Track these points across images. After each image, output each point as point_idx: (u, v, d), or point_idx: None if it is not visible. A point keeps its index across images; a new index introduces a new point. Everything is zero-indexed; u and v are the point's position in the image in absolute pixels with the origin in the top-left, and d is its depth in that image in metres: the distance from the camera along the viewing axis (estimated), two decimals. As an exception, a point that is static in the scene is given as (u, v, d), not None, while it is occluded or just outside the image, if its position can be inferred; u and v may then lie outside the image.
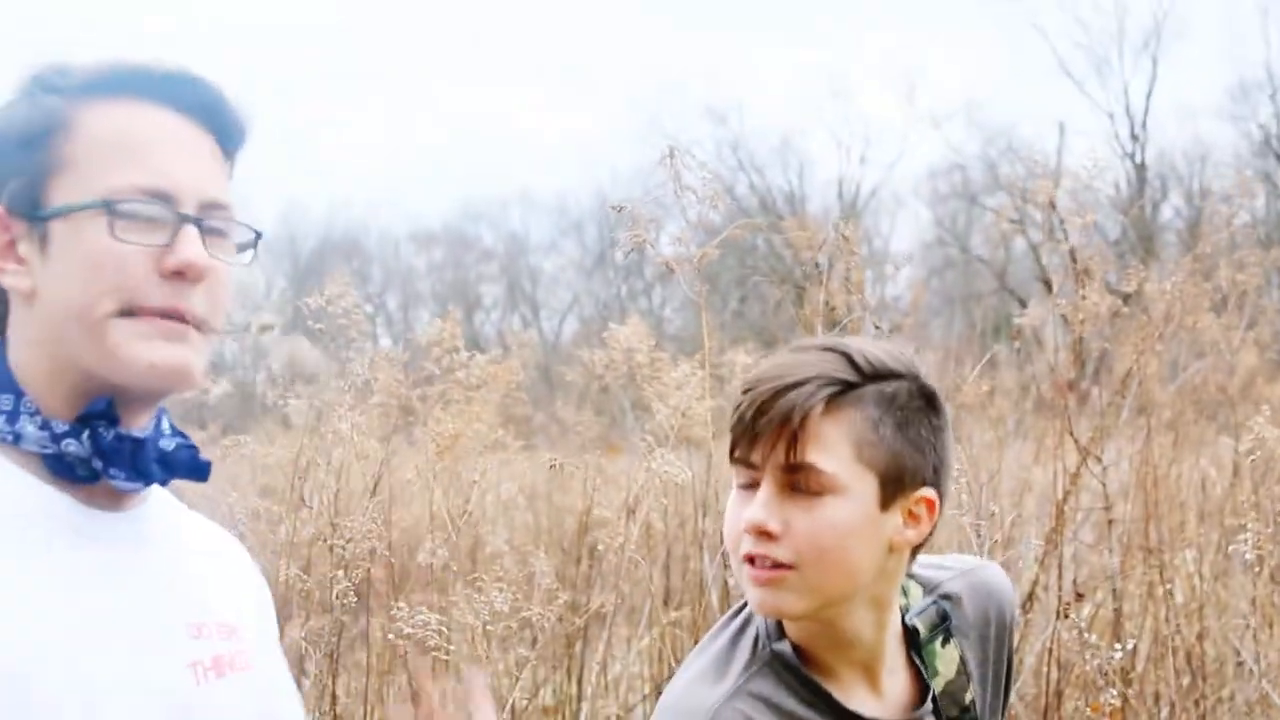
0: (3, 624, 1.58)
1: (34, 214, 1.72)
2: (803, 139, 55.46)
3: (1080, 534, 6.34)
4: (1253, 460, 5.78)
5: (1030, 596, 5.63)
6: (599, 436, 8.35)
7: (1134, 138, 42.62)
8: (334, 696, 5.29)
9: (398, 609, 4.74)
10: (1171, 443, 6.76)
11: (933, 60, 66.05)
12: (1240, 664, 6.19)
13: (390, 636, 4.84)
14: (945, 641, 2.23)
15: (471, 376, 5.63)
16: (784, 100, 72.71)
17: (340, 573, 4.88)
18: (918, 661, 2.20)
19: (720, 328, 5.71)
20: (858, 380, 2.03)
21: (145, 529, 1.81)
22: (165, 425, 1.82)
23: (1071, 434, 5.67)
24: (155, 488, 1.84)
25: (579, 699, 6.00)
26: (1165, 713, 5.64)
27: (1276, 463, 5.89)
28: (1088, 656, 5.12)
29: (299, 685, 5.29)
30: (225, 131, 1.82)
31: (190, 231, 1.71)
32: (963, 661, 2.24)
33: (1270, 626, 6.12)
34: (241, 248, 1.82)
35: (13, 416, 1.72)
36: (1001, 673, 2.33)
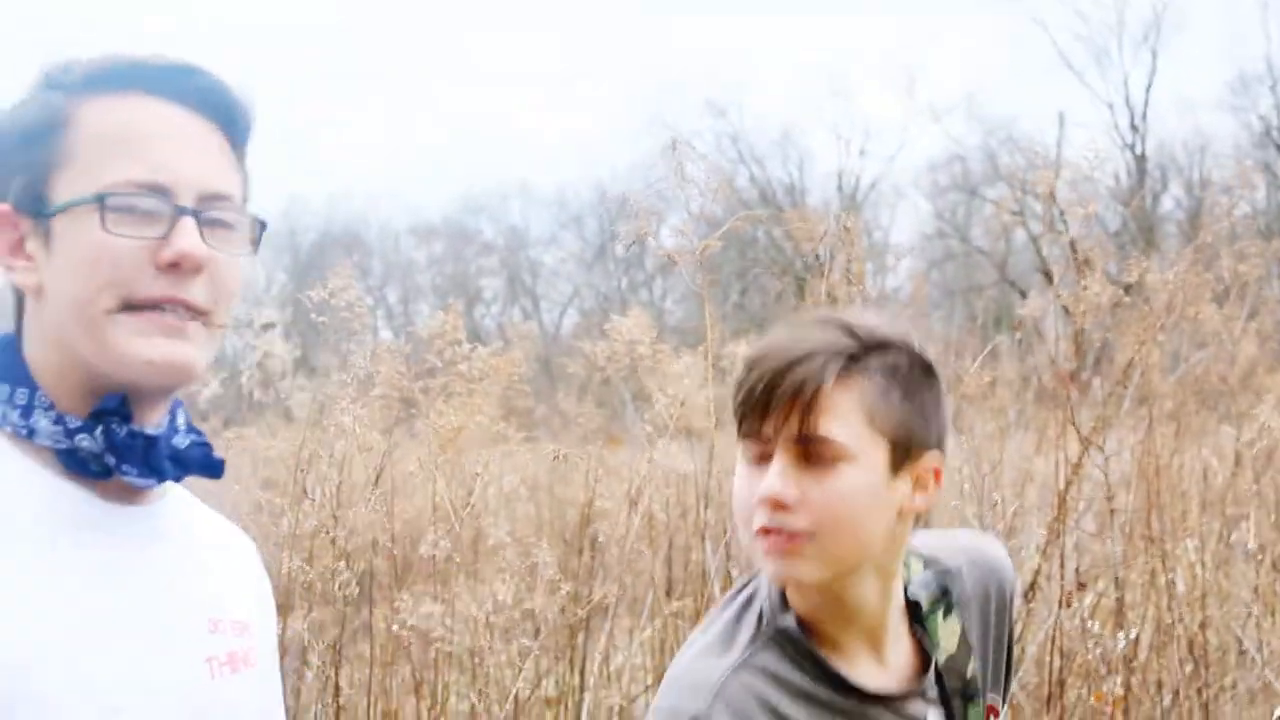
0: (10, 618, 1.58)
1: (38, 211, 1.72)
2: (803, 132, 55.45)
3: (1082, 523, 6.35)
4: (1255, 450, 5.79)
5: (1033, 586, 5.64)
6: (600, 428, 8.36)
7: (1134, 129, 42.64)
8: (337, 688, 5.30)
9: (401, 600, 4.75)
10: (1173, 433, 6.76)
11: (933, 52, 66.02)
12: (1242, 652, 6.20)
13: (394, 628, 4.85)
14: (947, 614, 2.25)
15: (473, 369, 5.62)
16: (784, 93, 72.87)
17: (342, 564, 4.88)
18: (920, 634, 2.22)
19: (722, 319, 5.73)
20: (862, 351, 2.06)
21: (162, 524, 1.81)
22: (181, 421, 1.83)
23: (1074, 424, 5.67)
24: (172, 484, 1.84)
25: (581, 690, 6.01)
26: (1168, 701, 5.64)
27: (1278, 452, 5.90)
28: (1090, 645, 5.13)
29: (302, 677, 5.32)
30: (231, 122, 1.81)
31: (186, 223, 1.70)
32: (964, 635, 2.26)
33: (1272, 615, 6.13)
34: (248, 239, 1.81)
35: (27, 411, 1.72)
36: (1003, 648, 2.34)
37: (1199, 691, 5.68)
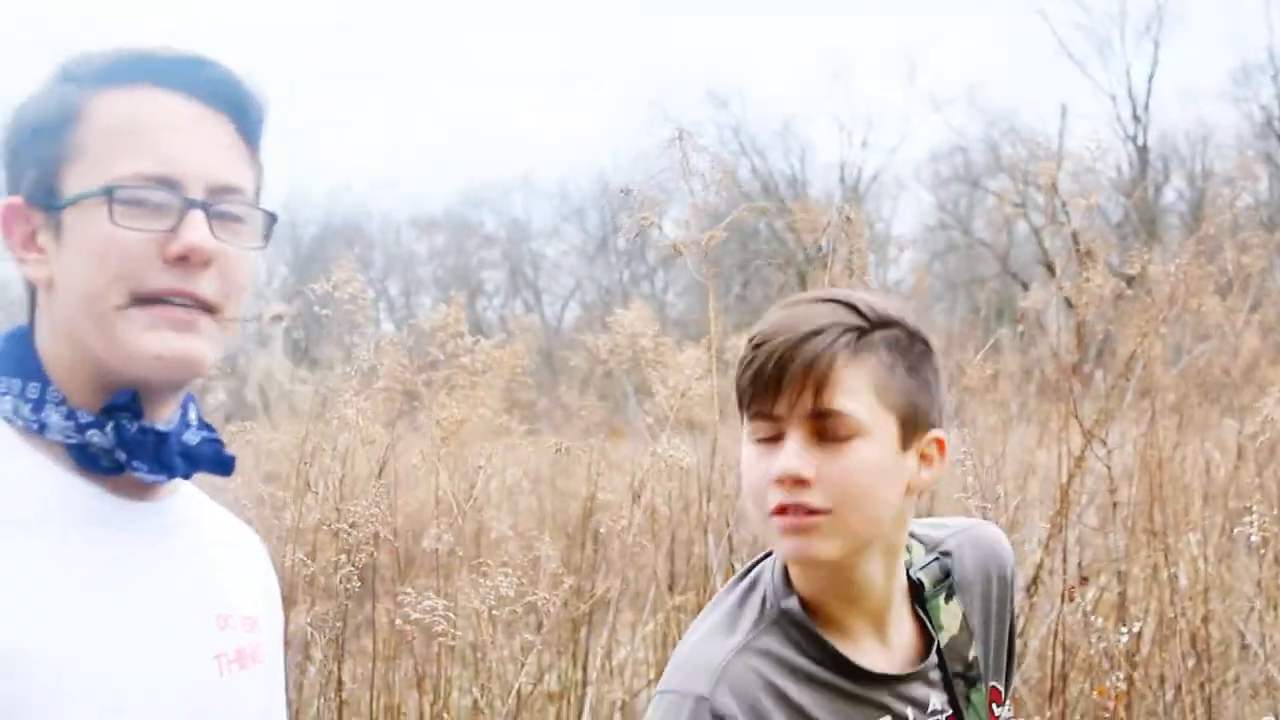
0: (14, 614, 1.58)
1: (49, 204, 1.73)
2: (804, 123, 55.29)
3: (1084, 517, 6.34)
4: (1258, 443, 5.78)
5: (1035, 580, 5.64)
6: (602, 421, 8.35)
7: (1136, 120, 42.59)
8: (339, 682, 5.30)
9: (404, 594, 4.74)
10: (1176, 426, 6.76)
11: (934, 43, 65.97)
12: (1245, 646, 6.20)
13: (397, 622, 4.85)
14: (949, 598, 2.26)
15: (476, 362, 5.62)
16: (785, 84, 72.78)
17: (343, 556, 4.88)
18: (923, 615, 2.23)
19: (724, 312, 5.72)
20: (869, 326, 2.07)
21: (172, 520, 1.82)
22: (193, 417, 1.83)
23: (1076, 417, 5.67)
24: (182, 480, 1.84)
25: (584, 684, 6.01)
26: (1170, 695, 5.64)
27: (1281, 445, 5.89)
28: (1094, 639, 5.13)
29: (304, 671, 5.31)
30: (242, 114, 1.81)
31: (195, 216, 1.70)
32: (965, 619, 2.27)
33: (1275, 609, 6.12)
34: (259, 232, 1.81)
35: (39, 405, 1.72)
36: (1004, 633, 2.35)
37: (1202, 686, 5.67)
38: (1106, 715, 5.13)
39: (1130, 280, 6.18)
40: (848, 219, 5.13)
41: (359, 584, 4.97)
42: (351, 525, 4.91)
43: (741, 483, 2.14)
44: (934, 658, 2.21)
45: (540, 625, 5.46)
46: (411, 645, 5.54)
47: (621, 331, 5.91)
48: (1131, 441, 6.36)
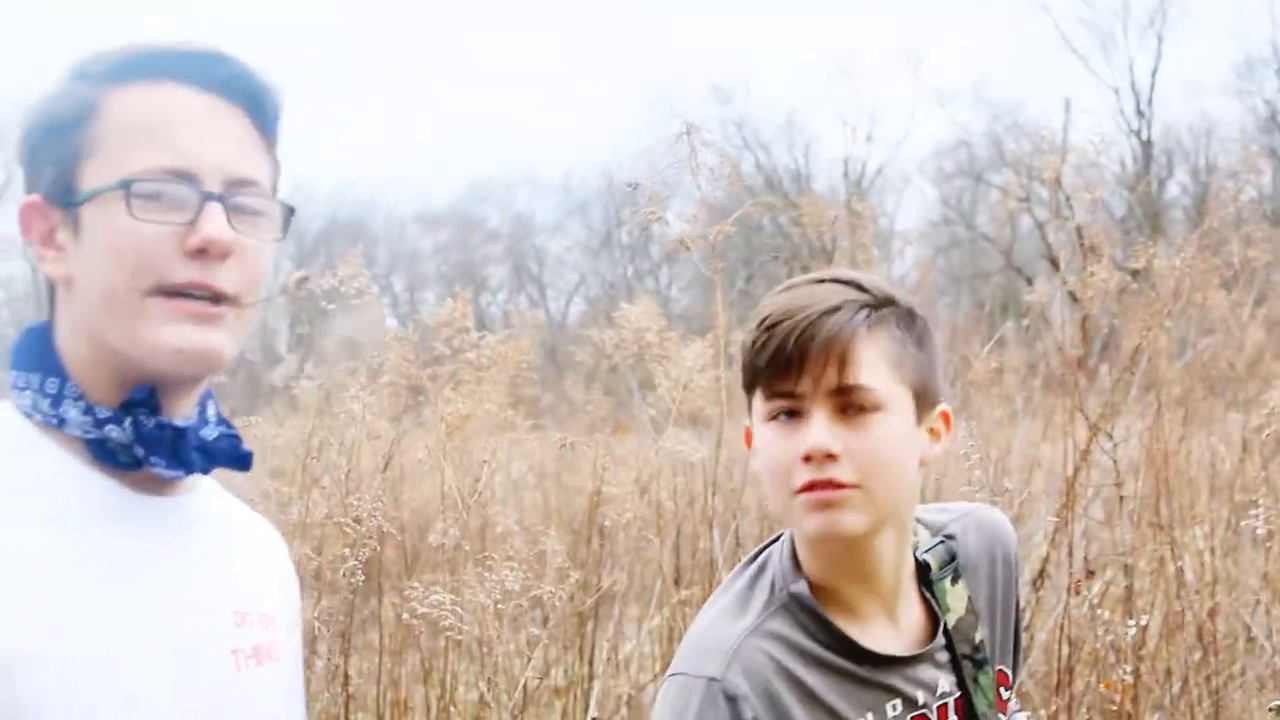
0: (32, 609, 1.58)
1: (68, 201, 1.73)
2: (808, 117, 55.37)
3: (1090, 511, 6.34)
4: (1263, 436, 5.78)
5: (1041, 574, 5.64)
6: (607, 416, 8.36)
7: (1139, 114, 42.57)
8: (346, 677, 5.31)
9: (410, 589, 4.75)
10: (1181, 419, 6.75)
11: (938, 37, 65.84)
12: (1251, 640, 6.20)
13: (404, 616, 4.85)
14: (955, 581, 2.27)
15: (482, 357, 5.62)
16: (789, 79, 72.80)
17: (347, 550, 4.89)
18: (930, 598, 2.24)
19: (729, 306, 5.73)
20: (878, 303, 2.10)
21: (191, 515, 1.82)
22: (211, 413, 1.84)
23: (1082, 411, 5.66)
24: (203, 476, 1.85)
25: (590, 678, 6.01)
26: (1176, 688, 5.64)
27: (1286, 439, 5.88)
28: (1101, 633, 5.12)
29: (311, 666, 5.32)
30: (258, 107, 1.81)
31: (213, 209, 1.70)
32: (971, 601, 2.28)
33: (1281, 602, 6.12)
34: (276, 224, 1.81)
35: (57, 400, 1.73)
36: (1010, 616, 2.36)
37: (1208, 679, 5.67)
38: (1113, 708, 5.13)
39: (1135, 274, 6.18)
40: (855, 213, 5.14)
41: (363, 578, 4.97)
42: (356, 520, 4.91)
43: (757, 464, 2.14)
44: (941, 639, 2.22)
45: (546, 620, 5.46)
46: (418, 640, 5.55)
47: (627, 326, 5.91)
48: (1137, 435, 6.36)
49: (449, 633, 4.73)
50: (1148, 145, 42.26)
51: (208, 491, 1.89)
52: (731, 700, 2.00)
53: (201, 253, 1.69)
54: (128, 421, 1.71)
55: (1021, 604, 2.43)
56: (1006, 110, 43.48)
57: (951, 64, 71.72)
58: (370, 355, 5.51)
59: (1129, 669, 5.09)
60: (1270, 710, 5.52)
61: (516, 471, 8.40)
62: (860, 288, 2.11)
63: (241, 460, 1.84)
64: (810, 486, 2.03)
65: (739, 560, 2.31)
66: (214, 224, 1.70)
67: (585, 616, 6.09)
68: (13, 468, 1.67)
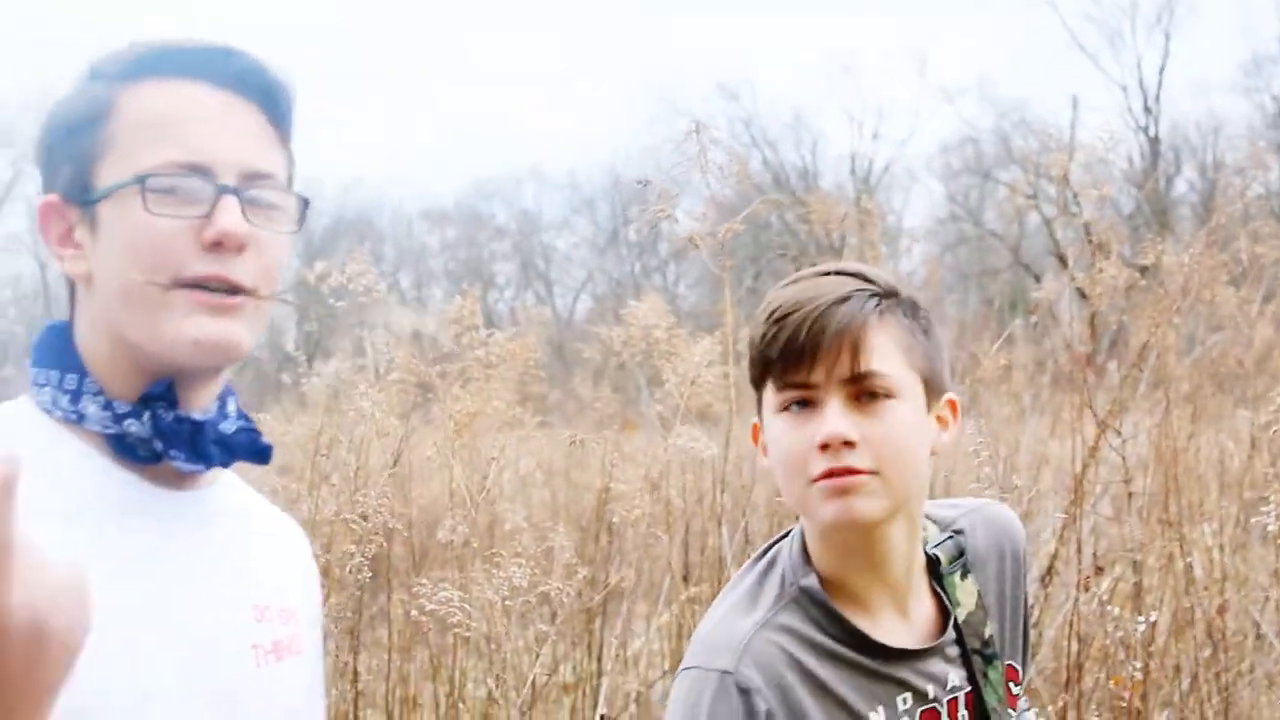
0: None
1: (84, 199, 1.74)
2: (815, 115, 55.36)
3: (1099, 507, 6.34)
4: (1272, 433, 5.77)
5: (1049, 570, 5.63)
6: (615, 413, 8.36)
7: (1147, 111, 42.53)
8: (355, 673, 5.31)
9: (419, 585, 4.75)
10: (1189, 416, 6.74)
11: (945, 34, 65.81)
12: (1260, 637, 6.19)
13: (413, 613, 4.86)
14: (964, 576, 2.28)
15: (490, 354, 5.63)
16: (796, 77, 72.80)
17: (354, 547, 4.89)
18: (940, 592, 2.24)
19: (737, 303, 5.73)
20: (885, 293, 2.12)
21: (211, 509, 1.83)
22: (231, 408, 1.84)
23: (1090, 407, 5.66)
24: (224, 470, 1.86)
25: (598, 675, 6.01)
26: (1186, 685, 5.63)
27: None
28: (1110, 629, 5.12)
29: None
30: (271, 102, 1.82)
31: (229, 202, 1.71)
32: (981, 595, 2.28)
33: (1290, 599, 6.12)
34: (292, 217, 1.82)
35: (76, 396, 1.74)
36: (1019, 611, 2.36)
37: (1217, 676, 5.66)
38: (1122, 705, 5.13)
39: (1143, 271, 6.17)
40: (865, 210, 5.14)
41: (371, 575, 4.98)
42: (363, 516, 4.92)
43: (771, 454, 2.15)
44: (952, 633, 2.22)
45: (554, 616, 5.47)
46: (426, 636, 5.55)
47: (635, 324, 5.91)
48: (1145, 432, 6.36)
49: (457, 629, 4.73)
50: (1155, 142, 42.23)
51: (228, 486, 1.90)
52: (744, 693, 2.01)
53: (217, 246, 1.70)
54: (146, 416, 1.72)
55: (1030, 600, 2.44)
56: (1013, 107, 43.50)
57: (955, 62, 71.68)
58: (379, 352, 5.50)
59: (1138, 665, 5.08)
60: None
61: (525, 468, 8.41)
62: (866, 278, 2.13)
63: (260, 454, 1.84)
64: (828, 474, 2.04)
65: (748, 557, 2.32)
66: (229, 217, 1.70)
67: (593, 613, 6.09)
68: (33, 463, 1.68)
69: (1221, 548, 6.29)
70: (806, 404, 2.07)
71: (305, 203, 1.83)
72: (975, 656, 2.24)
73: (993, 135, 43.30)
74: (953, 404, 2.20)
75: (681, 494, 6.70)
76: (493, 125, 70.24)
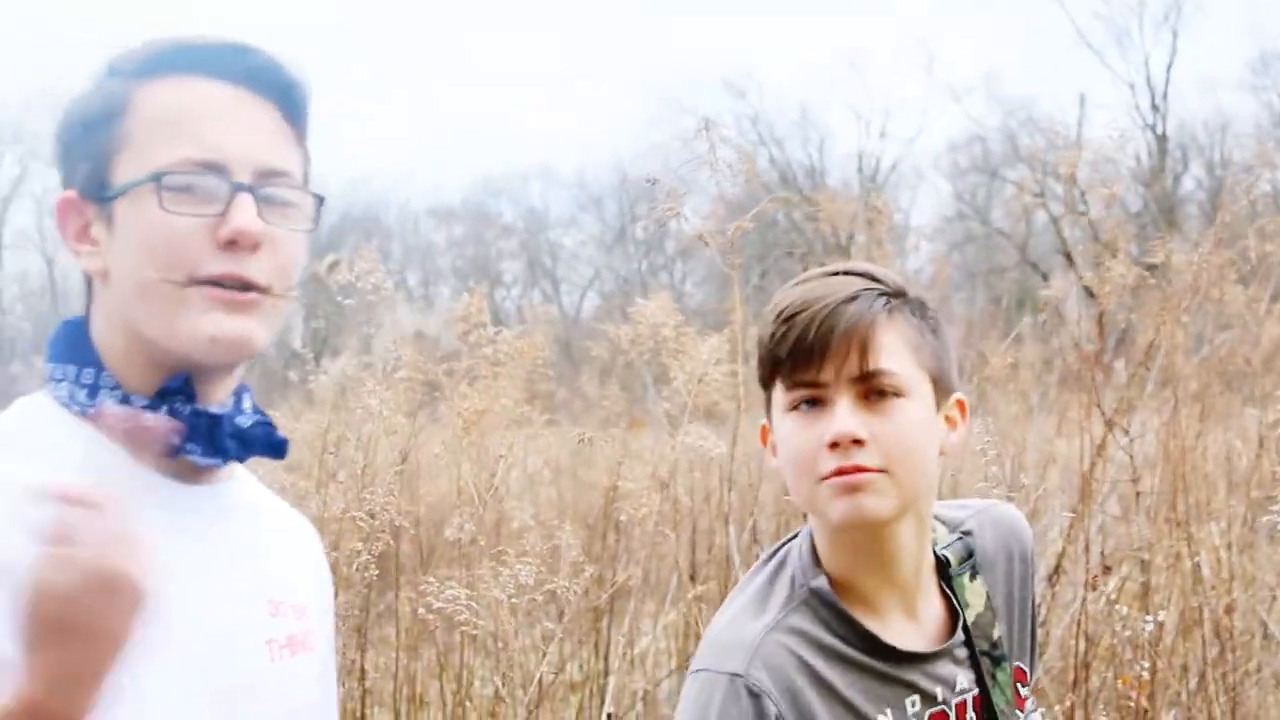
0: None
1: (101, 195, 1.75)
2: (822, 113, 55.33)
3: (1106, 506, 6.33)
4: (1279, 432, 5.77)
5: (1057, 569, 5.63)
6: (622, 412, 8.36)
7: (1155, 109, 42.49)
8: (363, 671, 5.31)
9: (426, 583, 4.75)
10: (1197, 415, 6.73)
11: (952, 32, 65.74)
12: (1268, 636, 6.19)
13: (420, 611, 4.86)
14: (973, 577, 2.28)
15: (498, 352, 5.63)
16: (803, 75, 72.72)
17: (360, 544, 4.90)
18: (949, 593, 2.24)
19: (744, 302, 5.72)
20: (893, 293, 2.13)
21: (227, 504, 1.84)
22: (246, 403, 1.85)
23: (1098, 406, 5.65)
24: (237, 465, 1.86)
25: (605, 674, 6.01)
26: (1193, 684, 5.63)
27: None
28: (1118, 628, 5.11)
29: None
30: (286, 99, 1.82)
31: (244, 200, 1.72)
32: (989, 597, 2.28)
33: (1297, 598, 6.11)
34: (307, 215, 1.83)
35: (93, 390, 1.75)
36: (1027, 612, 2.36)
37: (1224, 675, 5.66)
38: (1129, 704, 5.12)
39: (1151, 269, 6.16)
40: (875, 208, 5.14)
41: (377, 573, 4.98)
42: (370, 514, 4.92)
43: (780, 453, 2.15)
44: (960, 635, 2.22)
45: (561, 615, 5.46)
46: (434, 634, 5.56)
47: (644, 322, 5.91)
48: (1153, 431, 6.35)
49: (464, 627, 4.74)
50: (1163, 140, 42.17)
51: (242, 481, 1.91)
52: (754, 696, 2.01)
53: (232, 244, 1.71)
54: (163, 409, 1.73)
55: (1036, 600, 2.44)
56: (1020, 105, 43.45)
57: (962, 60, 71.66)
58: (387, 350, 5.51)
59: (1146, 665, 5.08)
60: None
61: (532, 466, 8.40)
62: (874, 278, 2.13)
63: (277, 448, 1.85)
64: (837, 473, 2.04)
65: (754, 555, 2.33)
66: (244, 215, 1.71)
67: (600, 612, 6.09)
68: (53, 457, 1.69)
69: (1229, 547, 6.28)
70: (816, 403, 2.07)
71: (320, 200, 1.83)
72: (984, 658, 2.23)
73: (1000, 133, 43.28)
74: (961, 404, 2.20)
75: (689, 492, 6.70)
76: (493, 125, 70.33)
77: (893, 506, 2.06)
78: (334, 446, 5.63)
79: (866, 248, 6.00)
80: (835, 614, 2.11)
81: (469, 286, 6.33)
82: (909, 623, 2.17)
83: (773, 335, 2.10)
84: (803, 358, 2.07)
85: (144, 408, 1.73)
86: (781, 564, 2.20)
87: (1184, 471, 5.97)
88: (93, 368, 1.75)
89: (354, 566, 4.88)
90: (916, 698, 2.14)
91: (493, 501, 5.64)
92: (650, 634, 6.79)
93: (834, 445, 2.04)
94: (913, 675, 2.14)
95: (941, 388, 2.14)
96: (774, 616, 2.10)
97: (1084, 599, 5.37)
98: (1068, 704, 5.30)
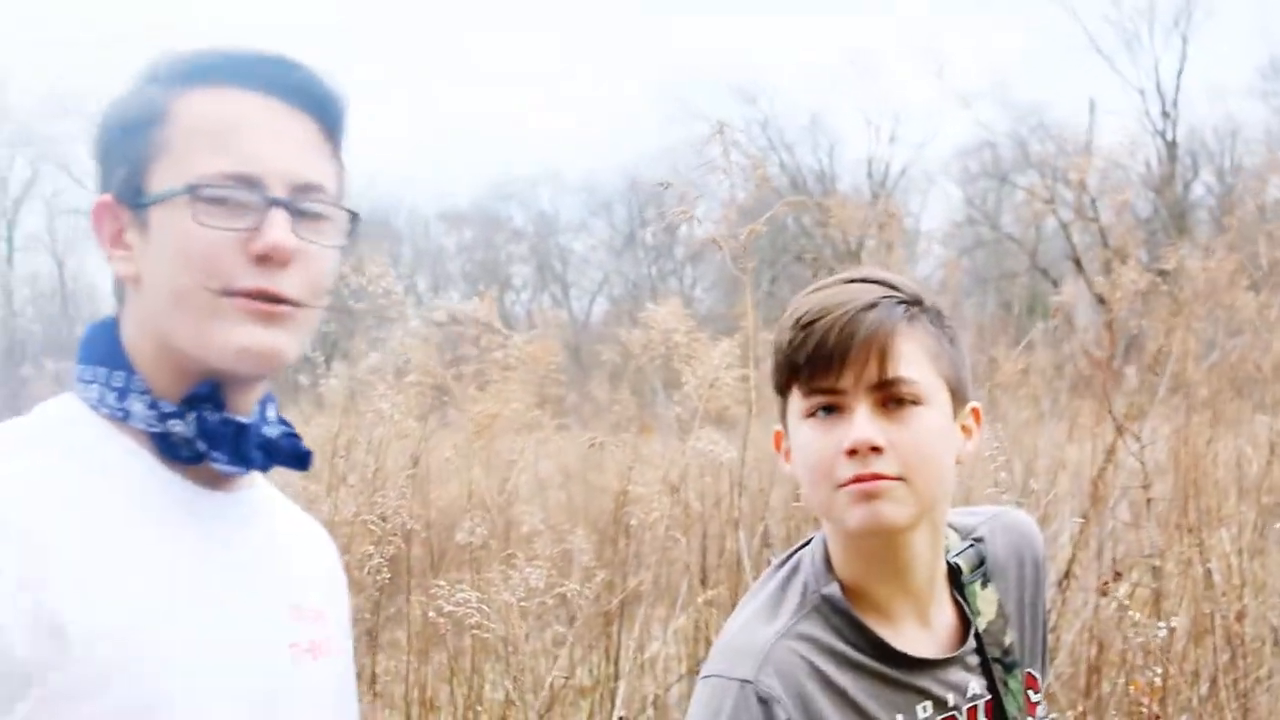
0: (93, 596, 1.60)
1: (136, 202, 1.75)
2: (832, 117, 55.33)
3: (1117, 512, 6.33)
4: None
5: (1067, 574, 5.63)
6: (633, 416, 8.36)
7: (1165, 115, 42.45)
8: (373, 675, 5.32)
9: (437, 587, 4.76)
10: (1208, 421, 6.73)
11: (962, 37, 65.74)
12: (1278, 643, 6.17)
13: (431, 615, 4.86)
14: (985, 584, 2.28)
15: (509, 357, 5.64)
16: (814, 80, 72.75)
17: (371, 548, 4.90)
18: (961, 600, 2.24)
19: (754, 307, 5.71)
20: (910, 300, 2.12)
21: (249, 511, 1.85)
22: (271, 413, 1.85)
23: (1109, 412, 5.65)
24: (257, 473, 1.87)
25: (616, 678, 6.01)
26: (1205, 690, 5.62)
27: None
28: (1130, 634, 5.11)
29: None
30: (324, 113, 1.82)
31: (277, 215, 1.72)
32: (1001, 604, 2.28)
33: (1309, 605, 6.10)
34: (341, 230, 1.83)
35: (123, 394, 1.75)
36: (1038, 619, 2.36)
37: (1236, 682, 5.66)
38: (1141, 710, 5.12)
39: (1162, 275, 6.17)
40: (887, 213, 5.14)
41: (388, 576, 4.99)
42: (381, 518, 4.93)
43: (797, 460, 2.14)
44: (972, 642, 2.22)
45: (572, 619, 5.47)
46: (444, 638, 5.56)
47: (655, 327, 5.91)
48: (1164, 437, 6.35)
49: (475, 631, 4.74)
50: (1173, 146, 42.14)
51: (260, 487, 1.91)
52: (764, 702, 2.01)
53: (264, 259, 1.71)
54: (191, 416, 1.74)
55: (1047, 605, 2.44)
56: (1031, 111, 43.44)
57: (971, 66, 71.56)
58: (397, 354, 5.52)
59: (1158, 671, 5.07)
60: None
61: (543, 471, 8.41)
62: (892, 286, 2.13)
63: (301, 459, 1.86)
64: (855, 480, 2.04)
65: (765, 561, 2.33)
66: (277, 230, 1.71)
67: (611, 616, 6.09)
68: (84, 459, 1.70)
69: (1240, 553, 6.27)
70: (834, 410, 2.07)
71: (354, 215, 1.84)
72: (995, 665, 2.23)
73: (1010, 139, 43.28)
74: (976, 412, 2.20)
75: (699, 497, 6.69)
76: (493, 125, 70.38)
77: (910, 514, 2.06)
78: (345, 450, 5.64)
79: (877, 252, 6.00)
80: (847, 621, 2.11)
81: (479, 291, 6.33)
82: (921, 630, 2.17)
83: (791, 341, 2.10)
84: (822, 364, 2.06)
85: (172, 413, 1.74)
86: (794, 570, 2.20)
87: (1195, 477, 5.96)
88: (123, 371, 1.76)
89: (365, 570, 4.88)
90: (929, 703, 2.14)
91: (503, 505, 5.65)
92: (661, 639, 6.78)
93: (852, 452, 2.03)
94: (925, 681, 2.14)
95: (958, 396, 2.14)
96: (785, 623, 2.10)
97: (1095, 605, 5.37)
98: (1079, 710, 5.30)
